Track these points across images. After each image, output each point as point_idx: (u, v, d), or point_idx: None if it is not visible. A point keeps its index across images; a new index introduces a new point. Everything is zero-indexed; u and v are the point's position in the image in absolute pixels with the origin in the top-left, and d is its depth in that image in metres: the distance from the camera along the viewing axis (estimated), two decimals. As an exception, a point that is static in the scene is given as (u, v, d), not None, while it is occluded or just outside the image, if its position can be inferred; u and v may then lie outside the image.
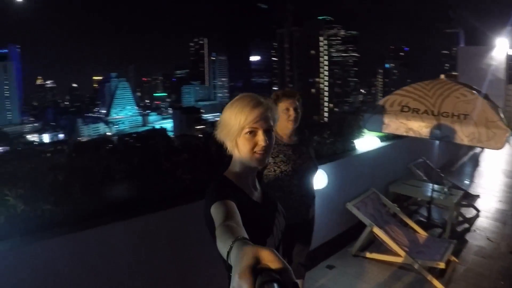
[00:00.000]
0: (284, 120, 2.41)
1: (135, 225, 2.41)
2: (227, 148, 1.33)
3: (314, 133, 3.69)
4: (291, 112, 2.38)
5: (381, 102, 3.48)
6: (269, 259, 0.63)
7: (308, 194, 2.53)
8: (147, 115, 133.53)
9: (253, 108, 1.22)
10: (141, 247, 2.44)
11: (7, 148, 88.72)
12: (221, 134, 1.30)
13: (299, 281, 2.63)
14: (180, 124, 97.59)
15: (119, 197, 2.53)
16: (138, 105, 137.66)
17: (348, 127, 4.09)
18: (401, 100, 3.28)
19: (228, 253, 0.78)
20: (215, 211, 1.10)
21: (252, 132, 1.24)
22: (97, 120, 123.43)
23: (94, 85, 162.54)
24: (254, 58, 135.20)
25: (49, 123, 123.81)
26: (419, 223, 3.89)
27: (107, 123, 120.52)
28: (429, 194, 3.84)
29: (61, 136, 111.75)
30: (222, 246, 0.87)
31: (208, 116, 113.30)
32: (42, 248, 2.13)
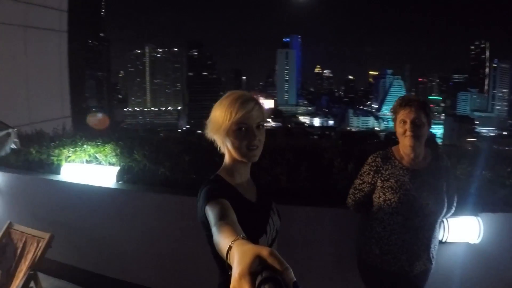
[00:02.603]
0: (401, 136, 1.89)
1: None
2: (218, 147, 1.35)
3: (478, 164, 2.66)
4: (408, 125, 1.84)
5: None
6: (270, 259, 0.62)
7: (417, 242, 1.92)
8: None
9: (243, 104, 1.23)
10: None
11: (279, 124, 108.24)
12: (211, 132, 1.32)
13: None
14: (451, 133, 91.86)
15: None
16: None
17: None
18: None
19: (228, 252, 0.79)
20: (210, 210, 1.12)
21: (243, 128, 1.25)
22: (367, 113, 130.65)
23: (370, 80, 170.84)
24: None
25: (322, 109, 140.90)
26: None
27: (377, 118, 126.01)
28: None
29: (330, 122, 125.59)
30: (221, 245, 0.88)
31: (482, 129, 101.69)
32: (151, 198, 2.93)
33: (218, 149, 1.37)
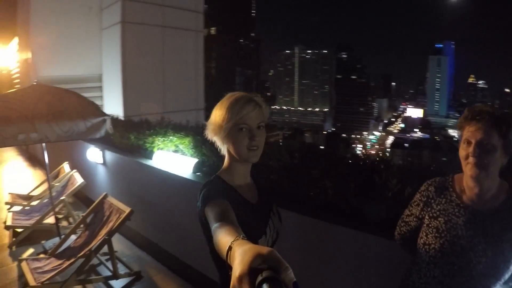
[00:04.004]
0: (463, 161, 1.36)
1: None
2: (218, 148, 1.37)
3: None
4: (472, 148, 1.30)
5: None
6: (270, 258, 0.63)
7: None
8: None
9: (244, 105, 1.24)
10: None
11: (426, 135, 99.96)
12: (212, 133, 1.33)
13: None
14: None
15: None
16: None
17: None
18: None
19: (228, 252, 0.79)
20: (210, 210, 1.13)
21: (243, 129, 1.25)
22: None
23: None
24: None
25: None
26: None
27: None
28: None
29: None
30: (221, 246, 0.88)
31: None
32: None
33: (219, 150, 1.36)
